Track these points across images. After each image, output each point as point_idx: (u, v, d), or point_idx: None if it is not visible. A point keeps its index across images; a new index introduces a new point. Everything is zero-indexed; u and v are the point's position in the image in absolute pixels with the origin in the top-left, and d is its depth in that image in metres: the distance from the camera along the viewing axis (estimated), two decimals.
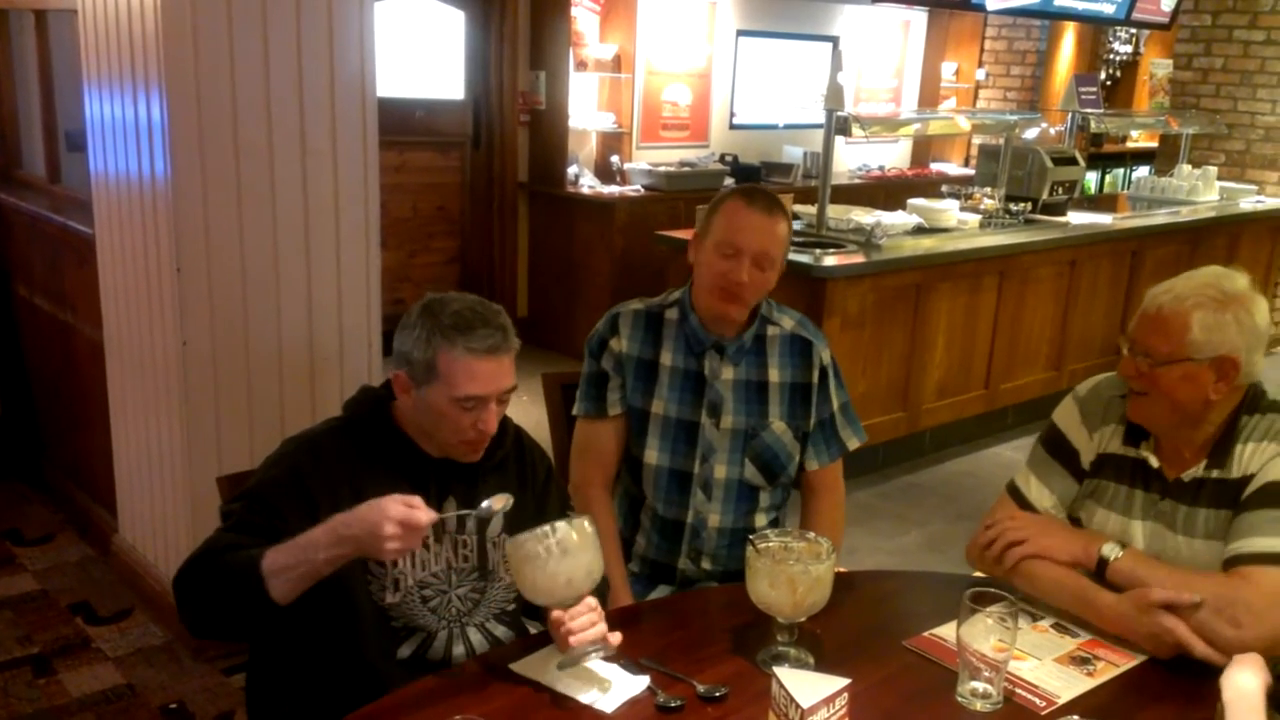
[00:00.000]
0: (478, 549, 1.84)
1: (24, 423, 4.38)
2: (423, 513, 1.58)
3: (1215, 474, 1.83)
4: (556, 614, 1.67)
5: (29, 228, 4.02)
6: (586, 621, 1.66)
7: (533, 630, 1.90)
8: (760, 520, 2.27)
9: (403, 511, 1.56)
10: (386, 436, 1.81)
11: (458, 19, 6.19)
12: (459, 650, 1.82)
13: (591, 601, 1.69)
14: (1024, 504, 2.01)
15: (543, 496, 1.96)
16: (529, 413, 4.29)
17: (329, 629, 1.74)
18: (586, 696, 1.61)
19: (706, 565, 2.26)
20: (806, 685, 1.44)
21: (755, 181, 6.85)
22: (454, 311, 1.75)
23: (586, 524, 1.68)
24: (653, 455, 2.23)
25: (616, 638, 1.68)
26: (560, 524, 1.65)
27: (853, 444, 2.31)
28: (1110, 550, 1.81)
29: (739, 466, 2.23)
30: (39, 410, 4.29)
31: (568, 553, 1.63)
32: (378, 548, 1.56)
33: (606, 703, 1.60)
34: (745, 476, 2.23)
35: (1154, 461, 1.89)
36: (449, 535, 1.82)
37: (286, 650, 1.81)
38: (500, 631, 1.87)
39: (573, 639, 1.64)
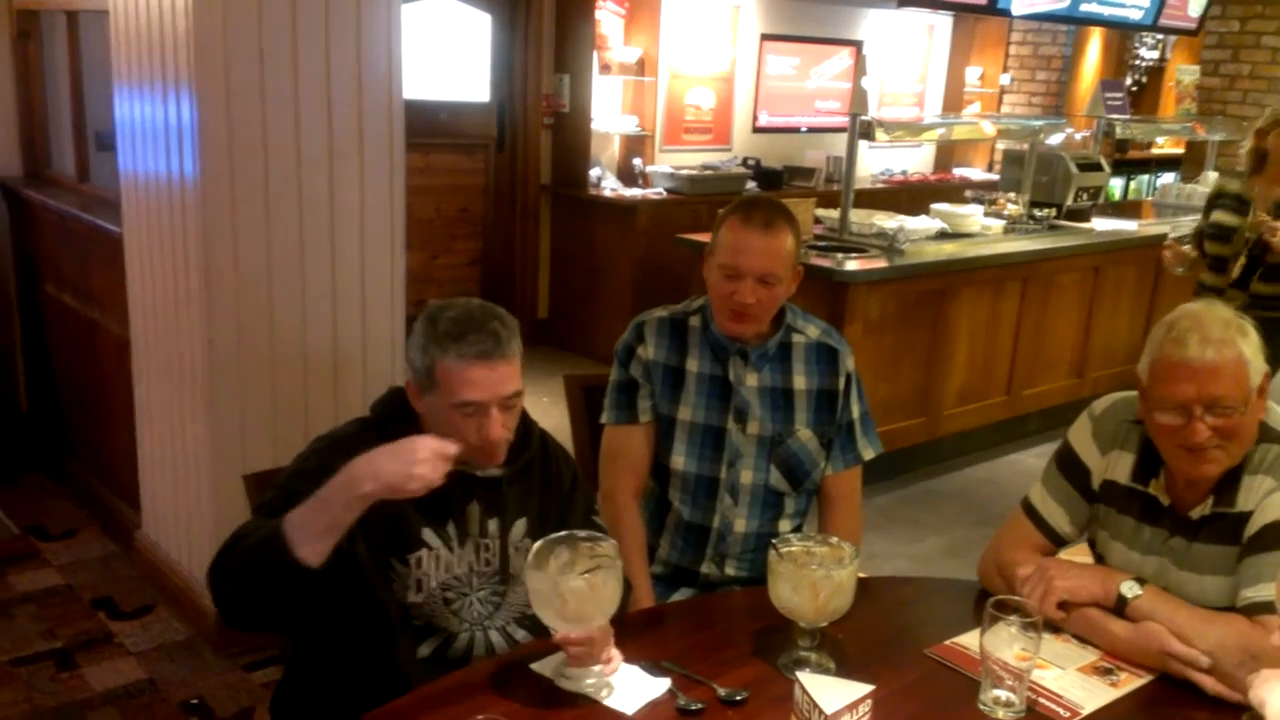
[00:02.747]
0: (500, 553, 1.85)
1: (49, 419, 4.42)
2: (451, 445, 1.60)
3: (1220, 509, 1.81)
4: (561, 635, 1.63)
5: (58, 226, 4.06)
6: (582, 653, 1.62)
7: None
8: (785, 526, 2.28)
9: (436, 444, 1.58)
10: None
11: (484, 22, 6.22)
12: (479, 652, 1.83)
13: (598, 634, 1.63)
14: (1040, 523, 2.00)
15: (567, 503, 1.96)
16: (550, 414, 4.30)
17: (353, 625, 1.75)
18: (607, 698, 1.61)
19: (730, 570, 2.26)
20: (830, 691, 1.44)
21: (778, 186, 6.85)
22: (449, 318, 1.75)
23: (603, 582, 1.62)
24: (680, 461, 2.23)
25: (614, 666, 1.66)
26: (577, 582, 1.60)
27: (868, 454, 2.32)
28: (1129, 589, 1.79)
29: (765, 472, 2.23)
30: (64, 406, 4.33)
31: (585, 602, 1.60)
32: (405, 484, 1.55)
33: (627, 704, 1.60)
34: (771, 482, 2.24)
35: (1165, 500, 1.87)
36: (472, 539, 1.83)
37: (313, 647, 1.82)
38: (521, 635, 1.87)
39: (571, 664, 1.64)
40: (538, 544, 1.66)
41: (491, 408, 1.74)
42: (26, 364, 4.51)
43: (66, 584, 3.55)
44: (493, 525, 1.84)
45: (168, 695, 2.98)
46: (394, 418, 1.83)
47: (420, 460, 1.56)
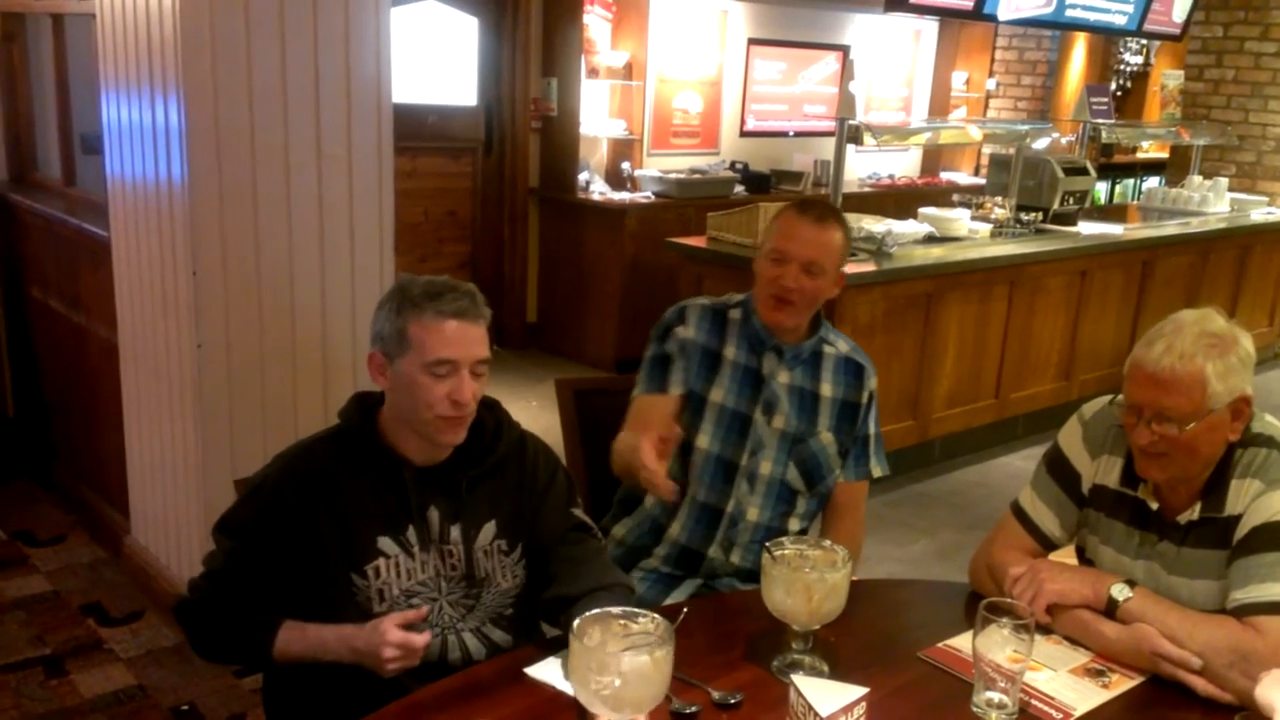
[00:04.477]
0: (465, 558, 1.82)
1: (36, 424, 4.39)
2: (418, 636, 1.68)
3: (1208, 514, 1.82)
4: None
5: (44, 230, 4.04)
6: None
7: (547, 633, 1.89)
8: (794, 525, 2.32)
9: (399, 636, 1.66)
10: (369, 447, 1.80)
11: (471, 25, 6.21)
12: (454, 655, 1.81)
13: None
14: (1029, 526, 2.01)
15: (541, 499, 1.90)
16: (539, 418, 4.29)
17: None
18: None
19: (735, 559, 2.29)
20: (825, 694, 1.45)
21: (765, 190, 6.86)
22: (423, 284, 1.79)
23: (665, 659, 1.42)
24: (704, 440, 2.27)
25: None
26: (640, 659, 1.39)
27: (877, 472, 2.39)
28: (1119, 591, 1.79)
29: (783, 467, 2.28)
30: (51, 411, 4.31)
31: (644, 683, 1.41)
32: (380, 668, 1.67)
33: None
34: (787, 478, 2.29)
35: (1153, 504, 1.87)
36: (435, 544, 1.81)
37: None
38: (498, 636, 1.86)
39: None
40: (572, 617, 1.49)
41: (464, 369, 1.75)
42: (13, 369, 4.47)
43: (55, 590, 3.53)
44: (454, 531, 1.81)
45: (158, 701, 2.97)
46: (353, 428, 1.83)
47: (388, 660, 1.66)
